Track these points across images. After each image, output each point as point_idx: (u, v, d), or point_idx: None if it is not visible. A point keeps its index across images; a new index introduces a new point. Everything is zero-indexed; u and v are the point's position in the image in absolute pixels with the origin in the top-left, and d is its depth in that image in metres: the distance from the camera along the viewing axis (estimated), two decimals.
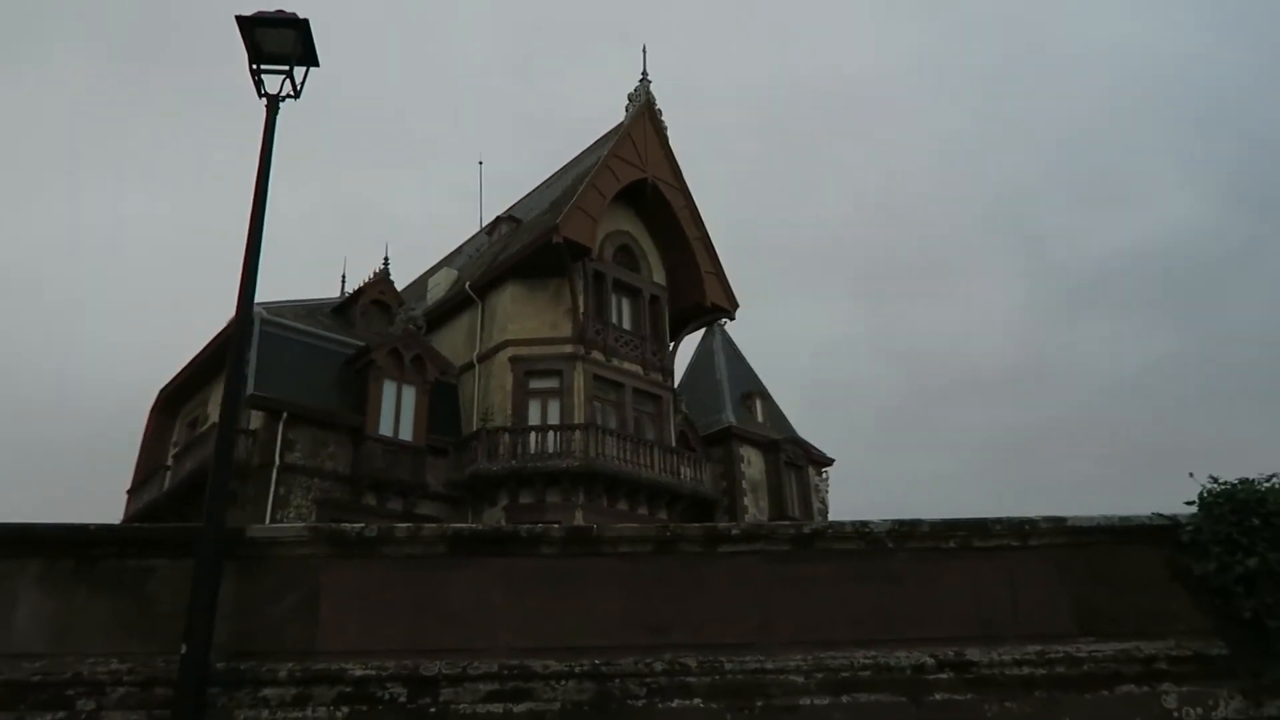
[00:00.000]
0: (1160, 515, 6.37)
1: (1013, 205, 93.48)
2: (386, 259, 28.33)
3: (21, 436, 62.64)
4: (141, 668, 5.53)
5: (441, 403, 25.49)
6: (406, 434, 24.19)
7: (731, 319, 29.20)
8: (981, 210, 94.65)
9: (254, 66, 6.83)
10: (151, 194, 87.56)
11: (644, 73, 29.23)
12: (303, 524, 6.19)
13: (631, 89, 28.99)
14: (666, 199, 27.75)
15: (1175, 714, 5.78)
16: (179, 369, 28.21)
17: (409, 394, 24.49)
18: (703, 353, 34.94)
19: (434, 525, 6.06)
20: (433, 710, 5.53)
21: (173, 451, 27.39)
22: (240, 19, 6.83)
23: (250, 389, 22.79)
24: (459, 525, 6.08)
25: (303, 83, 7.01)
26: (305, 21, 6.89)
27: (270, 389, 22.89)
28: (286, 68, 6.88)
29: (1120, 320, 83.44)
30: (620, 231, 27.60)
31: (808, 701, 5.65)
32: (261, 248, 6.38)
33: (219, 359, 26.54)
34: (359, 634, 5.80)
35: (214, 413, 26.56)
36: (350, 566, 5.99)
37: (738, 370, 34.19)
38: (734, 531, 6.23)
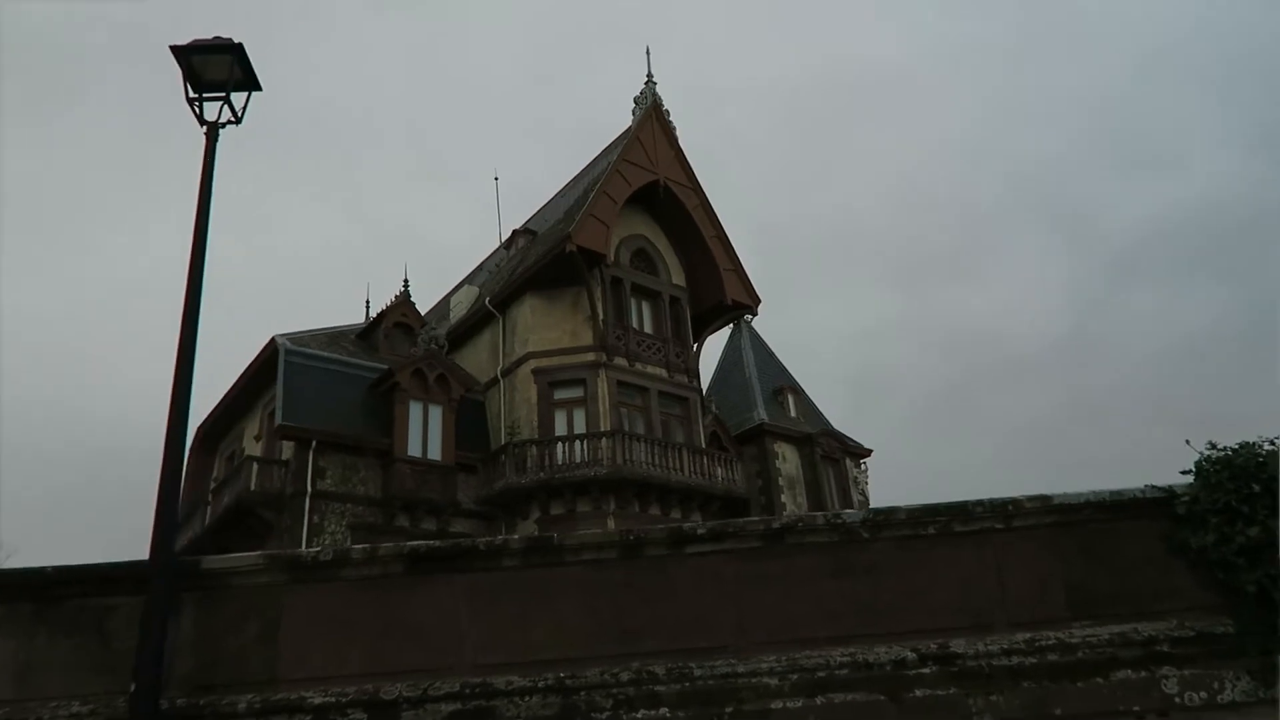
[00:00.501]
0: (1154, 487, 5.98)
1: (1047, 179, 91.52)
2: (406, 280, 28.49)
3: (80, 482, 64.50)
4: (103, 708, 5.48)
5: (469, 420, 25.54)
6: (435, 453, 24.27)
7: (754, 315, 28.80)
8: (1014, 187, 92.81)
9: (191, 95, 6.79)
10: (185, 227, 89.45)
11: (649, 74, 29.05)
12: (259, 552, 6.12)
13: (637, 92, 28.87)
14: (680, 199, 27.48)
15: (1177, 699, 5.39)
16: (215, 405, 28.68)
17: (435, 413, 24.59)
18: (731, 351, 34.58)
19: (390, 544, 5.92)
20: None
21: (212, 487, 27.81)
22: (175, 48, 6.80)
23: (279, 419, 23.07)
24: (416, 543, 5.92)
25: (244, 108, 6.96)
26: (240, 46, 6.84)
27: (298, 418, 23.09)
28: (224, 94, 6.82)
29: (1165, 287, 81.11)
30: (635, 235, 27.40)
31: (780, 705, 5.39)
32: (204, 278, 6.32)
33: (251, 392, 26.98)
34: (321, 660, 5.69)
35: (249, 445, 26.99)
36: (310, 592, 5.88)
37: (768, 366, 33.75)
38: (700, 531, 6.00)
